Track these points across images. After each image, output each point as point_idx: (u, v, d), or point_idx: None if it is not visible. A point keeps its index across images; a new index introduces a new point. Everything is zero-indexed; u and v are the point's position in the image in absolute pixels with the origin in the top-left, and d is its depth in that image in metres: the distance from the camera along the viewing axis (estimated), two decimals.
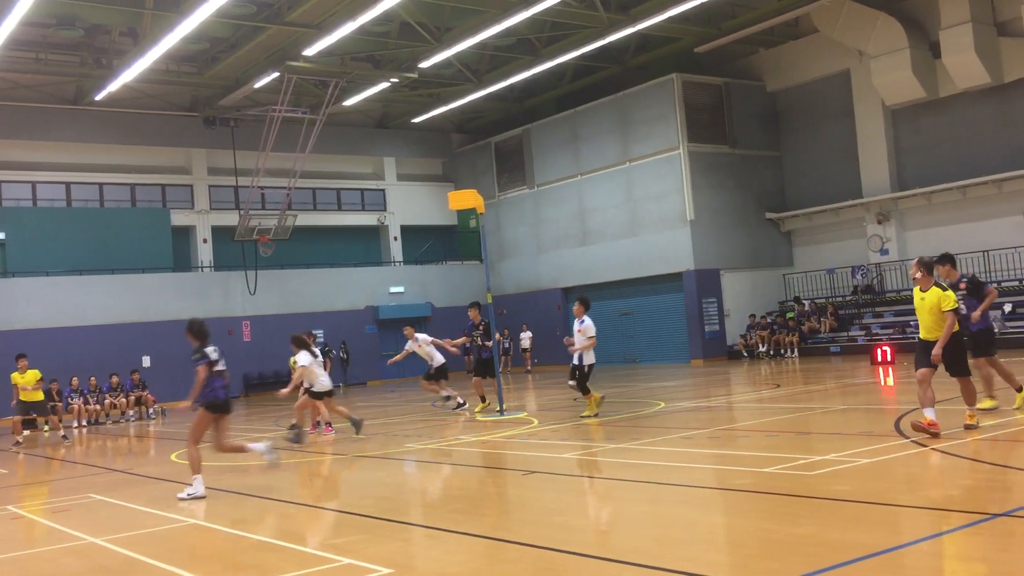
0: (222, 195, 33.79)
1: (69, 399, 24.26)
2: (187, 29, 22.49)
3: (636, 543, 6.56)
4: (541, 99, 34.58)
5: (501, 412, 16.08)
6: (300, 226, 33.08)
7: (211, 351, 9.90)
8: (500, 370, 18.03)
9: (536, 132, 34.88)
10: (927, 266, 10.02)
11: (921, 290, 9.95)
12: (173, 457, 14.29)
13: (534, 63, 29.19)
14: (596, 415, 14.65)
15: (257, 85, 28.76)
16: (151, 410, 25.31)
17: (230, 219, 32.51)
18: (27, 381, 18.92)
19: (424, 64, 28.00)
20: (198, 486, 9.68)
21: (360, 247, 37.03)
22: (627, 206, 31.30)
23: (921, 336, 10.03)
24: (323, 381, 15.13)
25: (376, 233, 37.56)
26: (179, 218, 32.77)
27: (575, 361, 14.82)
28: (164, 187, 33.14)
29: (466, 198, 17.06)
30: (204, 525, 8.51)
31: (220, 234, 33.06)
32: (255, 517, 8.77)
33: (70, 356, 26.91)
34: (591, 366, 14.79)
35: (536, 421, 15.07)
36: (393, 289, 35.48)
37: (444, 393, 17.92)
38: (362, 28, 24.25)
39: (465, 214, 36.13)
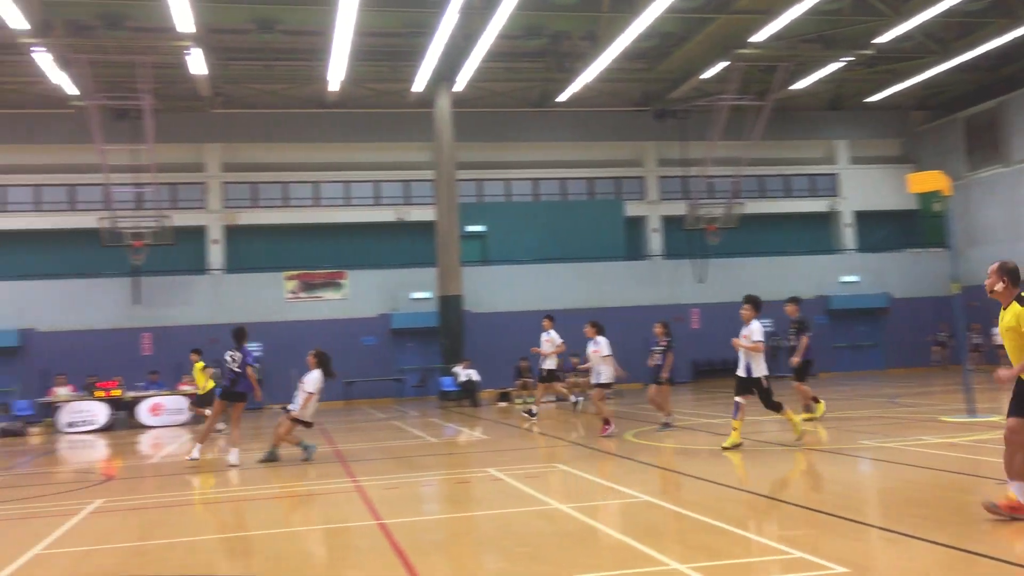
0: (671, 186, 34.80)
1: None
2: (640, 28, 23.47)
3: None
4: (1021, 66, 30.72)
5: (972, 414, 14.64)
6: (748, 214, 32.98)
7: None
8: (970, 368, 16.28)
9: (1015, 103, 31.10)
10: (1011, 273, 7.34)
11: (1003, 307, 7.34)
12: (629, 436, 15.05)
13: (1011, 27, 26.00)
14: (800, 437, 12.58)
15: (705, 76, 29.17)
16: (608, 391, 26.87)
17: (679, 209, 33.38)
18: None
19: (881, 39, 26.30)
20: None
21: (809, 234, 35.89)
22: None
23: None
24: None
25: (827, 220, 36.14)
26: (632, 209, 34.43)
27: (741, 372, 12.60)
28: (618, 180, 35.02)
29: (929, 180, 15.76)
30: (657, 503, 8.87)
31: (669, 223, 34.14)
32: (707, 501, 8.94)
33: (536, 339, 29.49)
34: (767, 377, 12.52)
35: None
36: (846, 278, 33.92)
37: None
38: (813, 8, 23.46)
39: (927, 197, 33.34)
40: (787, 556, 6.36)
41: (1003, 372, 7.15)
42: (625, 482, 10.09)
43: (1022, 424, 7.03)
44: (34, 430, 23.72)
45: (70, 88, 26.39)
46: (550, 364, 19.32)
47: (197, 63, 24.97)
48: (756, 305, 12.61)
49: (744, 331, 12.44)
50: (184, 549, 7.86)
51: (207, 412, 17.82)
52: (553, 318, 19.89)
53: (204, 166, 31.86)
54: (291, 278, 30.59)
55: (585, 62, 27.12)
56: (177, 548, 7.90)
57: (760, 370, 12.37)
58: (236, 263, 31.58)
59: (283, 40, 26.31)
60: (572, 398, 21.57)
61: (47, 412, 24.14)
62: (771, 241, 34.82)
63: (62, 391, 24.16)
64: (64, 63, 24.66)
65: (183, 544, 8.06)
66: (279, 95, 31.21)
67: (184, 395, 23.85)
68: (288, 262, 31.26)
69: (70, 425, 23.05)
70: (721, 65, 28.00)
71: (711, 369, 31.42)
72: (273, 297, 30.21)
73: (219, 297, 29.99)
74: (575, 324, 18.76)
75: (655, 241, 34.53)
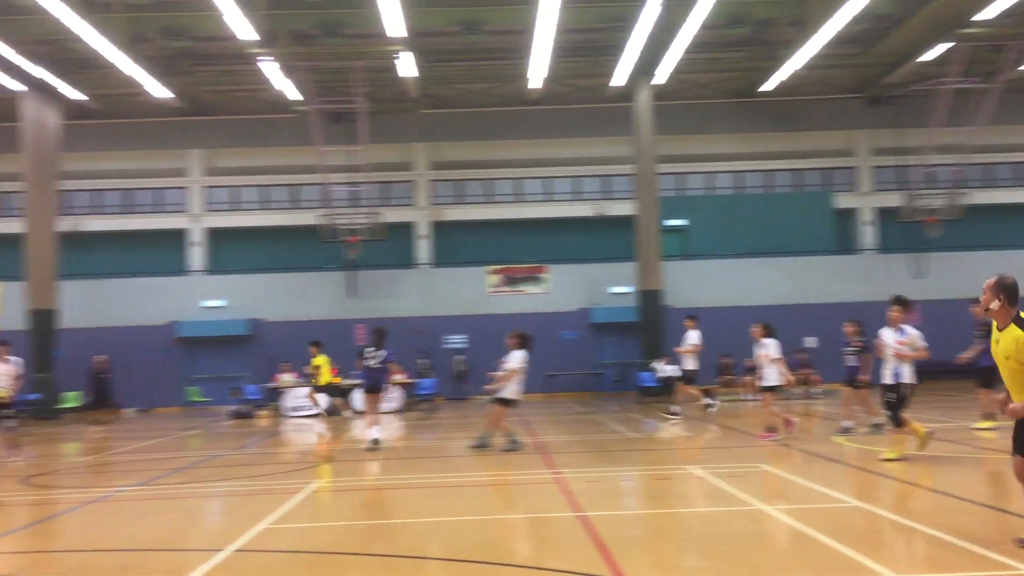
0: (885, 176, 32.99)
1: (738, 375, 26.09)
2: (852, 11, 22.39)
3: None
4: None
5: None
6: (974, 204, 30.73)
7: None
8: None
9: None
10: (1008, 290, 6.53)
11: (998, 328, 6.59)
12: (836, 439, 14.44)
13: None
14: (901, 459, 11.06)
15: (924, 58, 27.40)
16: (816, 390, 25.95)
17: (894, 200, 31.56)
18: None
19: None
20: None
21: None
22: None
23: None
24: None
25: None
26: (842, 201, 32.91)
27: (889, 380, 11.28)
28: (827, 171, 33.56)
29: None
30: (867, 508, 8.47)
31: (884, 216, 32.37)
32: (923, 509, 8.45)
33: (737, 335, 28.82)
34: (911, 386, 11.21)
35: None
36: None
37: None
38: None
39: None
40: (1016, 571, 5.91)
41: (1016, 406, 6.40)
42: (832, 485, 9.69)
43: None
44: (262, 413, 25.58)
45: (293, 94, 28.24)
46: (690, 364, 18.90)
47: (407, 66, 26.07)
48: (906, 305, 11.63)
49: (900, 337, 11.39)
50: (393, 531, 8.26)
51: (317, 398, 21.91)
52: (696, 318, 19.45)
53: (413, 165, 33.22)
54: (494, 272, 31.37)
55: (792, 49, 26.16)
56: (386, 529, 8.32)
57: (908, 376, 11.35)
58: (442, 257, 32.74)
59: (487, 40, 26.98)
60: (706, 400, 20.69)
61: (273, 396, 25.97)
62: (999, 233, 32.28)
63: (286, 377, 25.90)
64: (287, 71, 26.41)
65: (392, 526, 8.48)
66: (483, 94, 32.05)
67: (394, 383, 24.96)
68: (491, 257, 32.07)
69: (293, 409, 24.68)
70: (942, 47, 26.22)
71: (936, 370, 29.46)
72: (477, 290, 31.10)
73: (426, 290, 31.20)
74: (780, 321, 18.13)
75: (867, 234, 32.84)
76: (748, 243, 31.87)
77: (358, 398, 24.88)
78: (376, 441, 14.81)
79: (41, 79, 26.27)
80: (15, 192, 30.03)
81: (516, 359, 14.03)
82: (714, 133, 33.06)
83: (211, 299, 30.88)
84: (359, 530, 8.40)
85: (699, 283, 30.79)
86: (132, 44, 24.46)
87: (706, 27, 24.50)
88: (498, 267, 31.45)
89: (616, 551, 6.92)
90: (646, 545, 7.47)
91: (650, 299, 29.09)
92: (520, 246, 32.72)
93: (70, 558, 7.57)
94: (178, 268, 32.28)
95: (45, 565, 7.40)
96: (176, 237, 32.62)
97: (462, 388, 29.97)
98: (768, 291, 30.27)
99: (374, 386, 15.40)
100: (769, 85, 29.50)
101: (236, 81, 29.74)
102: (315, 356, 22.00)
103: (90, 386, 24.63)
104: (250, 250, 32.81)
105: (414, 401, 25.76)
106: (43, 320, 27.53)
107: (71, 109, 29.42)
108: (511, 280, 31.37)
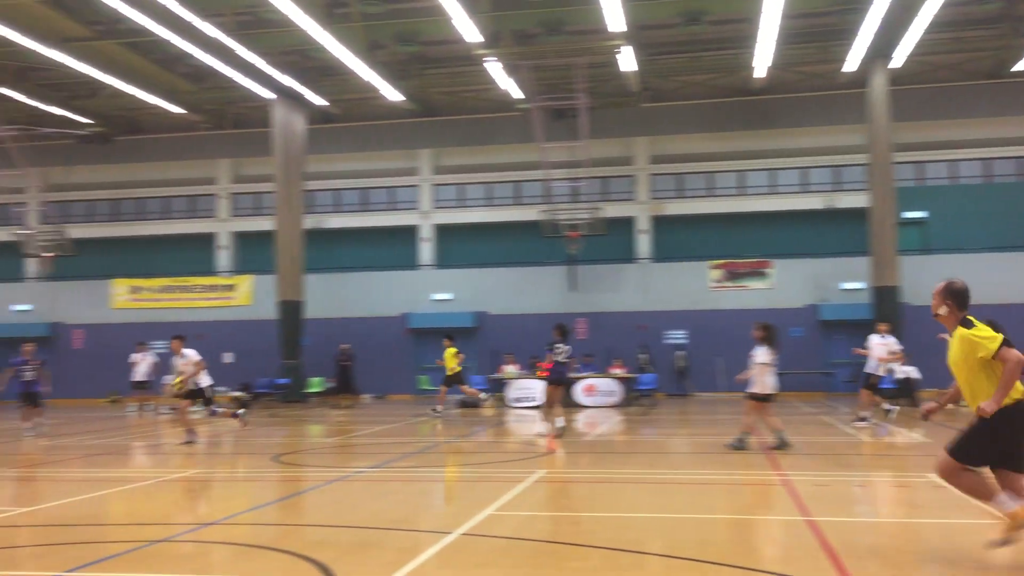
0: None
1: None
2: None
3: None
4: None
5: None
6: None
7: None
8: None
9: None
10: (956, 295, 6.55)
11: (949, 334, 6.54)
12: None
13: None
14: None
15: None
16: None
17: None
18: None
19: None
20: None
21: None
22: None
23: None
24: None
25: None
26: None
27: None
28: None
29: None
30: None
31: None
32: None
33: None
34: None
35: None
36: None
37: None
38: None
39: None
40: None
41: (985, 404, 6.18)
42: None
43: (954, 466, 6.42)
44: (487, 403, 26.41)
45: (516, 93, 28.92)
46: (905, 370, 17.83)
47: (627, 60, 26.02)
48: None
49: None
50: (615, 524, 8.29)
51: (442, 389, 22.14)
52: (888, 322, 18.38)
53: (633, 159, 33.13)
54: (716, 267, 30.74)
55: None
56: (608, 523, 8.37)
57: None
58: (662, 252, 32.45)
59: (710, 31, 26.46)
60: (886, 407, 18.97)
61: (497, 387, 26.75)
62: None
63: (510, 369, 26.61)
64: (511, 70, 27.07)
65: (615, 519, 8.52)
66: (704, 86, 31.45)
67: (614, 378, 25.06)
68: (712, 251, 31.45)
69: (516, 400, 25.32)
70: None
71: None
72: (697, 286, 30.60)
73: (646, 285, 31.05)
74: None
75: None
76: (998, 235, 29.41)
77: (572, 391, 25.22)
78: (562, 428, 15.83)
79: (289, 87, 28.36)
80: (267, 192, 32.61)
81: (762, 354, 13.65)
82: (959, 118, 30.73)
83: (440, 292, 32.25)
84: (579, 521, 8.50)
85: (941, 279, 28.71)
86: (368, 51, 25.92)
87: (950, 4, 22.83)
88: (720, 261, 30.79)
89: (848, 560, 6.61)
90: (882, 555, 7.08)
91: (886, 296, 27.48)
92: (743, 240, 31.87)
93: (315, 532, 8.16)
94: (410, 262, 33.92)
95: (292, 537, 8.01)
96: (408, 233, 34.28)
97: (682, 384, 29.60)
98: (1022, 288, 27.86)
99: (560, 379, 16.33)
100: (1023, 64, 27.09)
101: (462, 82, 30.85)
102: (447, 348, 22.22)
103: (334, 372, 26.33)
104: (476, 245, 33.93)
105: (634, 396, 25.73)
106: (291, 310, 29.76)
107: (315, 114, 31.61)
108: (733, 275, 30.62)
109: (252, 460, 14.02)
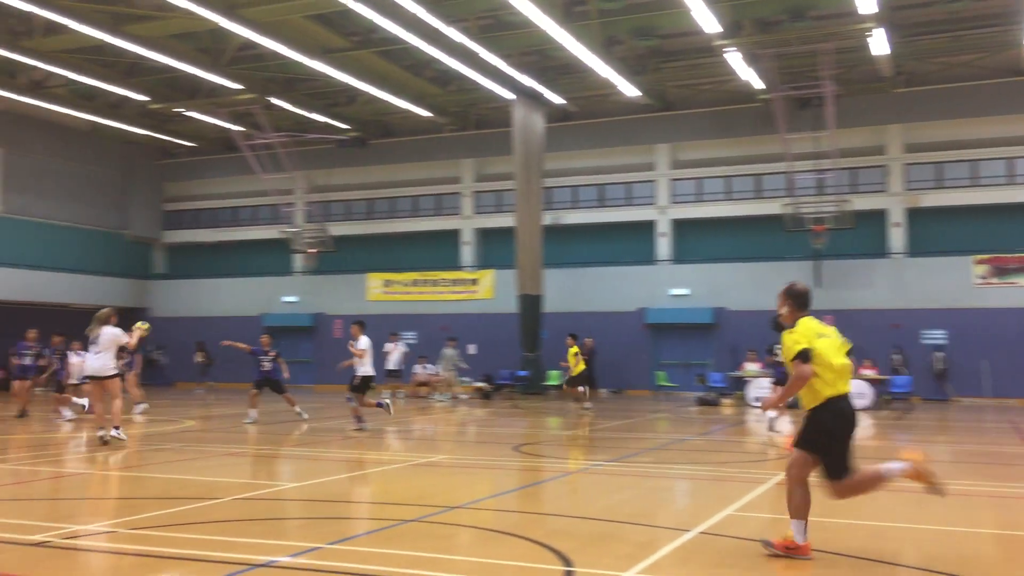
0: None
1: None
2: None
3: None
4: None
5: None
6: None
7: None
8: None
9: None
10: (797, 297, 6.82)
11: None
12: None
13: None
14: None
15: None
16: None
17: None
18: None
19: None
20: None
21: None
22: None
23: None
24: None
25: None
26: None
27: None
28: None
29: None
30: None
31: None
32: None
33: None
34: None
35: None
36: None
37: None
38: None
39: None
40: None
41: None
42: None
43: (805, 458, 6.72)
44: (726, 401, 25.87)
45: (756, 83, 28.04)
46: None
47: (879, 43, 24.53)
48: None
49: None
50: (865, 532, 7.89)
51: (579, 390, 22.13)
52: None
53: (885, 148, 31.18)
54: (981, 262, 28.36)
55: None
56: (858, 530, 7.97)
57: None
58: (918, 246, 30.35)
59: (972, 7, 24.47)
60: None
61: (737, 385, 26.11)
62: None
63: (751, 367, 25.90)
64: (751, 59, 26.28)
65: (865, 527, 8.09)
66: (967, 67, 29.06)
67: (865, 379, 23.75)
68: (977, 245, 29.02)
69: (757, 399, 24.60)
70: None
71: None
72: (959, 282, 28.37)
73: (899, 281, 29.18)
74: None
75: None
76: None
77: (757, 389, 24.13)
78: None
79: (529, 87, 29.04)
80: (508, 190, 33.61)
81: None
82: None
83: (677, 287, 31.91)
84: (826, 527, 8.14)
85: None
86: (606, 47, 26.05)
87: None
88: (986, 256, 28.36)
89: None
90: None
91: None
92: (1013, 233, 29.16)
93: (554, 521, 8.34)
94: (647, 257, 33.78)
95: (533, 524, 8.23)
96: (645, 228, 34.15)
97: (942, 388, 27.58)
98: None
99: (781, 380, 16.12)
100: None
101: (700, 75, 30.31)
102: (570, 347, 22.15)
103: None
104: (714, 240, 33.26)
105: (887, 399, 24.27)
106: (531, 304, 30.53)
107: (553, 112, 32.19)
108: (1001, 271, 28.12)
109: (494, 449, 14.53)
